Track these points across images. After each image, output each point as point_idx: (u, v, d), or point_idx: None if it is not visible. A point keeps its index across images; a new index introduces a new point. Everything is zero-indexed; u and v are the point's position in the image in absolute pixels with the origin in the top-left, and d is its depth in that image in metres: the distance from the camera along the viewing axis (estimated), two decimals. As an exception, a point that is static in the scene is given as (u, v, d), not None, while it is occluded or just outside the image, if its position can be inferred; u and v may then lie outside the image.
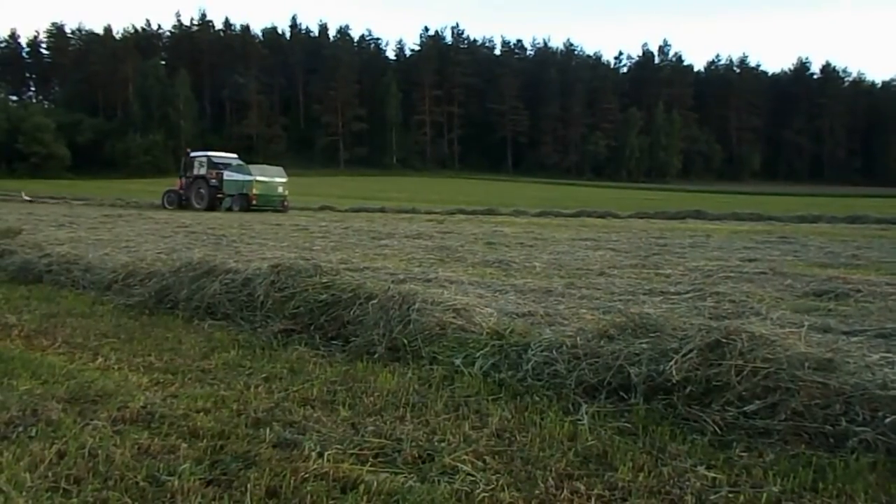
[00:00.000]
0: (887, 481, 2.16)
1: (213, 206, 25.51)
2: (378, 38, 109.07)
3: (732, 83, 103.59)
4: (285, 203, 25.79)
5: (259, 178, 25.43)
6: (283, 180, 26.31)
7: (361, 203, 31.11)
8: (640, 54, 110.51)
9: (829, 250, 10.08)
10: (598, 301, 5.19)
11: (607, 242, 11.47)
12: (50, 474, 2.18)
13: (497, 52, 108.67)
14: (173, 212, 23.41)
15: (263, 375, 3.35)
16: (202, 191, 26.19)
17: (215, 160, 27.08)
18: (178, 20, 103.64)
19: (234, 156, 29.03)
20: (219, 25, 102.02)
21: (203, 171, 26.47)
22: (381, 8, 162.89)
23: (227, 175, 25.72)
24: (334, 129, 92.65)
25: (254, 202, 24.78)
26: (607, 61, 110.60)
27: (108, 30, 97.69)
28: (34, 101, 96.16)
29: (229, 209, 24.71)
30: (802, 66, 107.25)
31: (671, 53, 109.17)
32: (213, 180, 26.03)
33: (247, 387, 3.15)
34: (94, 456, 2.31)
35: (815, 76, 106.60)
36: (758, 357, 2.72)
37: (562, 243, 11.18)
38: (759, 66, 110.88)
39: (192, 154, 28.10)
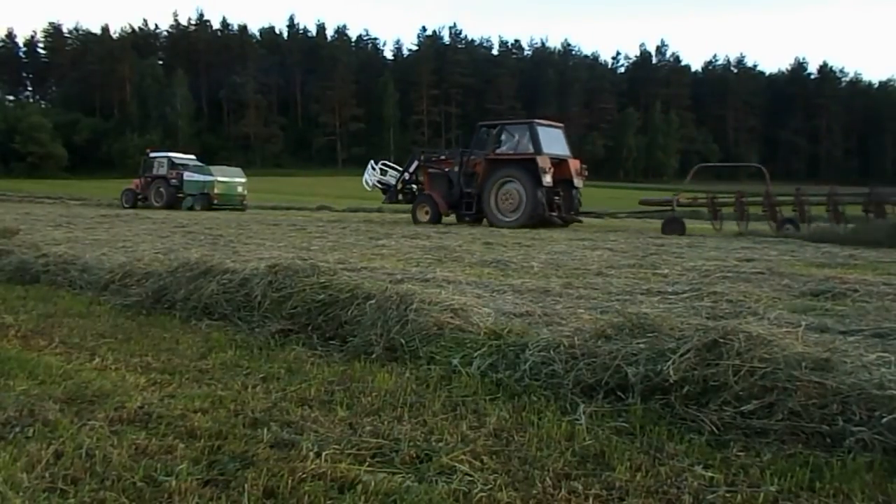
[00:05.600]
0: (884, 480, 2.16)
1: (171, 204, 26.59)
2: (375, 38, 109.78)
3: (730, 83, 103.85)
4: (244, 202, 27.28)
5: (220, 178, 26.79)
6: (243, 180, 27.79)
7: (359, 203, 31.09)
8: (638, 54, 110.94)
9: (826, 250, 10.10)
10: (595, 301, 5.18)
11: (605, 242, 11.48)
12: (47, 475, 2.17)
13: (494, 51, 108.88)
14: (170, 212, 23.46)
15: (261, 375, 3.34)
16: (161, 190, 27.35)
17: (176, 161, 28.33)
18: (176, 20, 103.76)
19: (193, 157, 30.58)
20: (216, 25, 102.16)
21: (163, 171, 27.41)
22: (379, 8, 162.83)
23: (188, 175, 27.13)
24: (332, 129, 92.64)
25: (215, 201, 26.00)
26: (605, 61, 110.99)
27: (105, 29, 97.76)
28: (31, 100, 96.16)
29: (191, 208, 25.81)
30: (800, 66, 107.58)
31: (669, 53, 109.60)
32: (174, 180, 27.17)
33: (244, 387, 3.14)
34: (91, 456, 2.30)
35: (812, 76, 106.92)
36: (755, 357, 2.72)
37: (559, 243, 11.19)
38: (756, 66, 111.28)
39: (152, 155, 29.39)
